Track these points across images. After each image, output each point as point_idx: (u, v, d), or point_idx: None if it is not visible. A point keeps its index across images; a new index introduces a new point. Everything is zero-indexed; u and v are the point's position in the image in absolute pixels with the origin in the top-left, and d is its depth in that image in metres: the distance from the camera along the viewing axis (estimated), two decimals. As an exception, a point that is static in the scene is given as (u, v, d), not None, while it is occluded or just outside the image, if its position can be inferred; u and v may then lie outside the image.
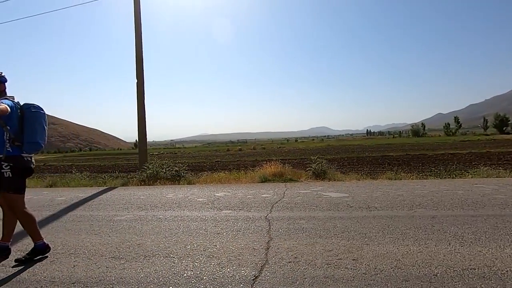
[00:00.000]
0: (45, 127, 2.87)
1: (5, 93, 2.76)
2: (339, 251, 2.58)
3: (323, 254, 2.52)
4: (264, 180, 7.15)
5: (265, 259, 2.47)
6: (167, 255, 2.68)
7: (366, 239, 2.82)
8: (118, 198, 5.67)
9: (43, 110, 2.83)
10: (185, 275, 2.27)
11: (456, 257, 2.34)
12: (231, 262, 2.44)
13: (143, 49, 9.98)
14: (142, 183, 8.04)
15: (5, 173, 2.58)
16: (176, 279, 2.20)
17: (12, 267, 2.57)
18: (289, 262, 2.39)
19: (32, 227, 2.76)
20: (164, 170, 8.65)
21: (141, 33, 9.95)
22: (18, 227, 2.78)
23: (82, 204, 5.33)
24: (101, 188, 7.35)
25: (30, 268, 2.54)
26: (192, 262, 2.50)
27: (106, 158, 38.33)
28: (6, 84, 2.79)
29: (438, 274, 2.07)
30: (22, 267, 2.56)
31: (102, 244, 3.06)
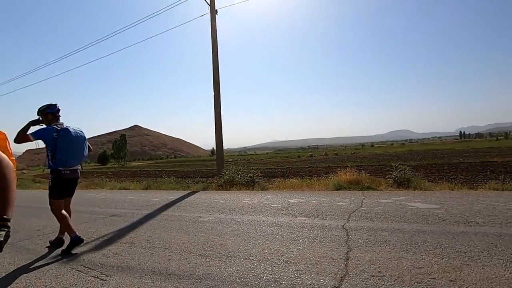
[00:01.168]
0: (74, 146, 3.52)
1: (56, 120, 3.55)
2: (431, 269, 2.30)
3: (411, 271, 2.28)
4: (339, 187, 6.87)
5: (344, 270, 2.38)
6: (246, 257, 2.83)
7: (466, 259, 2.45)
8: (201, 201, 6.22)
9: (72, 134, 3.47)
10: (264, 278, 2.35)
11: None
12: (309, 270, 2.43)
13: (219, 62, 10.85)
14: (220, 188, 8.63)
15: (49, 182, 3.47)
16: (256, 281, 2.30)
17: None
18: (372, 276, 2.25)
19: (65, 224, 3.42)
20: (239, 176, 9.13)
21: (217, 50, 10.84)
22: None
23: (172, 205, 6.03)
24: (186, 192, 8.18)
25: (136, 258, 3.00)
26: (271, 266, 2.57)
27: (188, 165, 42.47)
28: (55, 112, 3.56)
29: None
30: (130, 256, 3.06)
31: (190, 242, 3.41)
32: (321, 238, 3.23)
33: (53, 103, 3.58)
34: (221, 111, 10.76)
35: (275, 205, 5.22)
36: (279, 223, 4.00)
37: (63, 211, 3.48)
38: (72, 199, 3.82)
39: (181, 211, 5.35)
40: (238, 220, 4.33)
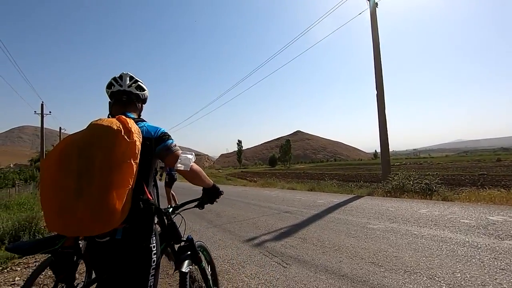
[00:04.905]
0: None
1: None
2: None
3: None
4: None
5: None
6: (431, 276, 2.45)
7: None
8: (367, 207, 5.94)
9: None
10: (458, 306, 1.97)
11: None
12: (533, 314, 1.81)
13: (381, 57, 10.03)
14: (388, 194, 7.91)
15: (166, 178, 6.89)
16: (447, 307, 1.96)
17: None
18: None
19: (168, 199, 6.52)
20: (411, 182, 8.02)
21: (379, 45, 10.07)
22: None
23: (337, 208, 6.10)
24: (349, 196, 8.05)
25: (309, 253, 3.26)
26: (467, 294, 2.11)
27: (348, 168, 41.47)
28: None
29: None
30: (303, 251, 3.36)
31: (360, 248, 3.34)
32: (551, 275, 2.32)
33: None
34: (385, 110, 9.89)
35: (466, 221, 4.21)
36: (475, 244, 3.21)
37: (168, 193, 6.64)
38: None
39: (347, 215, 5.32)
40: (415, 232, 3.82)
